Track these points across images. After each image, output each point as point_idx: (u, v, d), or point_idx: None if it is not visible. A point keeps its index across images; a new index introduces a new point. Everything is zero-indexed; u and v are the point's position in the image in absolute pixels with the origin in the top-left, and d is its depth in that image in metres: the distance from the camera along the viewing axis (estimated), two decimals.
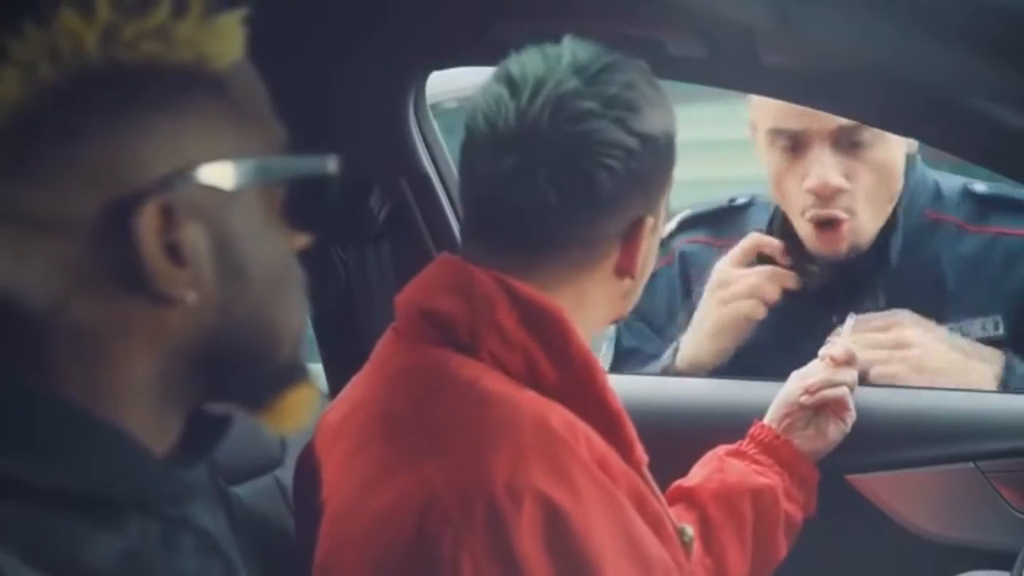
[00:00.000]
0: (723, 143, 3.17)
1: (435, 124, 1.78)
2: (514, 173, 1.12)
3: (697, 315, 1.80)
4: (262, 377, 0.81)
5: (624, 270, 1.16)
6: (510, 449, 1.04)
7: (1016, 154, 1.21)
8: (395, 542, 1.04)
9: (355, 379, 1.23)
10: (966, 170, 1.80)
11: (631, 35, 1.33)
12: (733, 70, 1.39)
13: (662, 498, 1.21)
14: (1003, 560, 1.43)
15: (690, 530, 1.26)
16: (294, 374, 0.83)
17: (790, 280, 1.76)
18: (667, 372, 1.81)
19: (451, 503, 1.03)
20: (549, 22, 1.31)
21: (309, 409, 0.83)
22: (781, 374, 1.61)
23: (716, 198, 1.97)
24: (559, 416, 1.09)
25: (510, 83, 1.14)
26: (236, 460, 1.47)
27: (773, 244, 1.78)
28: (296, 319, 0.83)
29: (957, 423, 1.58)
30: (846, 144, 1.69)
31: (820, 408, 1.56)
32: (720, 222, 1.91)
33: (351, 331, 1.77)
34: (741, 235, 1.82)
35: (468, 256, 1.17)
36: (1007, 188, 1.79)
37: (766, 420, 1.55)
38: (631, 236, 1.15)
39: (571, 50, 1.14)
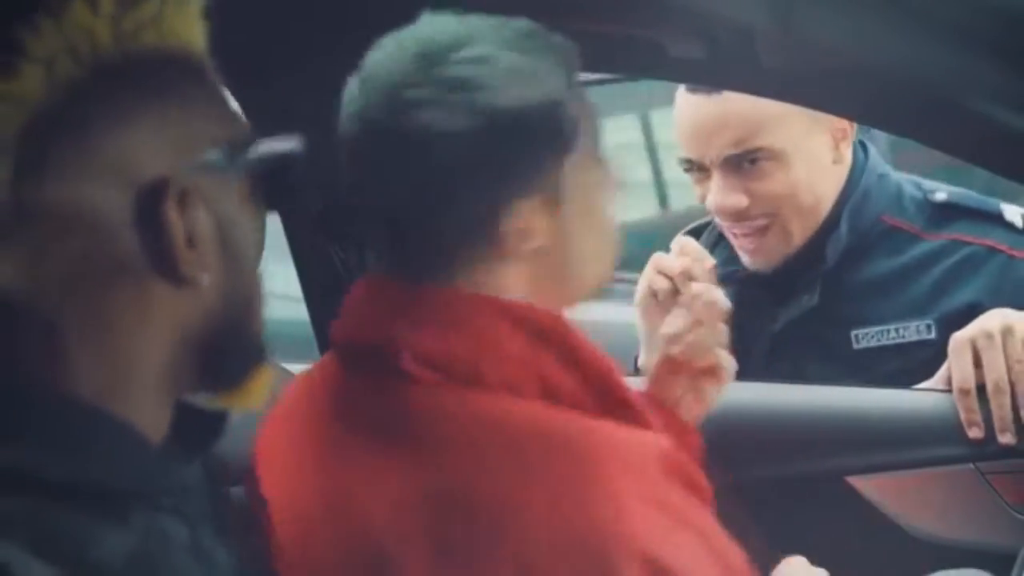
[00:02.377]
0: None
1: None
2: (376, 174, 1.06)
3: None
4: (240, 357, 0.83)
5: (525, 251, 1.07)
6: (608, 498, 0.99)
7: (1016, 154, 1.21)
8: None
9: (289, 425, 1.17)
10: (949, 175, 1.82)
11: (631, 35, 1.33)
12: (733, 70, 1.39)
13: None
14: (1003, 560, 1.43)
15: None
16: (262, 352, 0.84)
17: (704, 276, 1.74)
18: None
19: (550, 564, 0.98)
20: (548, 22, 1.31)
21: (269, 386, 0.84)
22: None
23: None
24: (646, 446, 1.05)
25: (361, 82, 1.08)
26: (236, 460, 1.47)
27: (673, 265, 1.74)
28: (260, 294, 0.84)
29: (957, 423, 1.58)
30: (743, 167, 1.71)
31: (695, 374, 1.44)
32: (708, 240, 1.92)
33: None
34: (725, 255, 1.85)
35: (389, 265, 1.11)
36: (968, 195, 1.80)
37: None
38: (523, 218, 1.06)
39: (420, 32, 1.07)
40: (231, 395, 0.83)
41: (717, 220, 1.80)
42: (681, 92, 1.73)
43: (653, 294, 1.65)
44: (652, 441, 1.06)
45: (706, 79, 1.46)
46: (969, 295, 1.73)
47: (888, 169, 1.83)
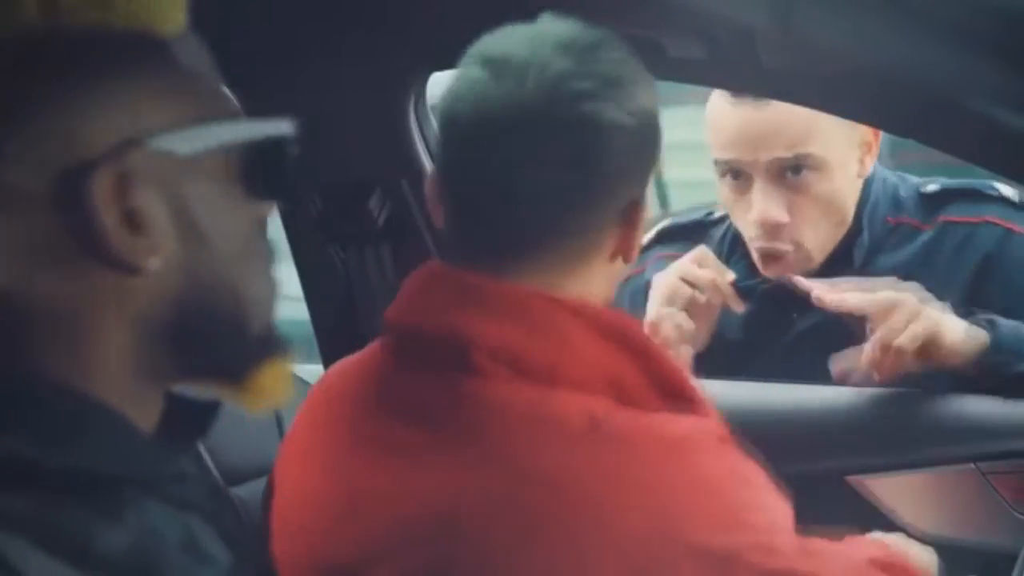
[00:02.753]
0: None
1: (435, 125, 1.78)
2: (510, 161, 1.06)
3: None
4: (235, 349, 0.81)
5: (622, 253, 1.13)
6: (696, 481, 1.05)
7: (1016, 154, 1.21)
8: None
9: (338, 405, 1.18)
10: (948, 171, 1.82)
11: (631, 35, 1.33)
12: (733, 71, 1.39)
13: None
14: (1003, 560, 1.43)
15: None
16: (268, 347, 0.82)
17: (727, 291, 1.75)
18: None
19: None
20: None
21: (284, 385, 0.82)
22: (750, 373, 1.61)
23: (697, 210, 1.98)
24: (710, 428, 1.09)
25: (492, 65, 1.08)
26: (236, 460, 1.47)
27: (702, 274, 1.73)
28: (265, 289, 0.83)
29: (957, 424, 1.58)
30: (786, 176, 1.71)
31: None
32: (695, 235, 1.91)
33: (351, 331, 1.76)
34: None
35: (463, 256, 1.12)
36: (958, 181, 1.81)
37: None
38: (630, 218, 1.11)
39: (553, 28, 1.09)
40: (238, 391, 0.82)
41: (747, 230, 1.78)
42: (720, 100, 1.72)
43: (673, 301, 1.66)
44: (711, 422, 1.10)
45: (706, 79, 1.46)
46: (972, 272, 1.72)
47: (884, 171, 1.83)
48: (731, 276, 1.75)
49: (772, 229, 1.73)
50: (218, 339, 0.79)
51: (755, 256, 1.78)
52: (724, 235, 1.89)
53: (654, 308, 1.71)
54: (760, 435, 1.64)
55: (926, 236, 1.77)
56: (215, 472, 1.49)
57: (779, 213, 1.71)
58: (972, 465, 1.57)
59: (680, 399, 1.11)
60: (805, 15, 1.16)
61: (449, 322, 1.08)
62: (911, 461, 1.60)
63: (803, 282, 1.66)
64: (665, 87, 1.23)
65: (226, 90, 0.81)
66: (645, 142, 1.11)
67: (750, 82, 1.45)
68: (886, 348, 1.58)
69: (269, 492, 1.21)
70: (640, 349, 1.11)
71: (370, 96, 1.69)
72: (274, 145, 0.81)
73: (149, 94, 0.75)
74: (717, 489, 1.05)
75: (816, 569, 1.08)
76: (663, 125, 1.14)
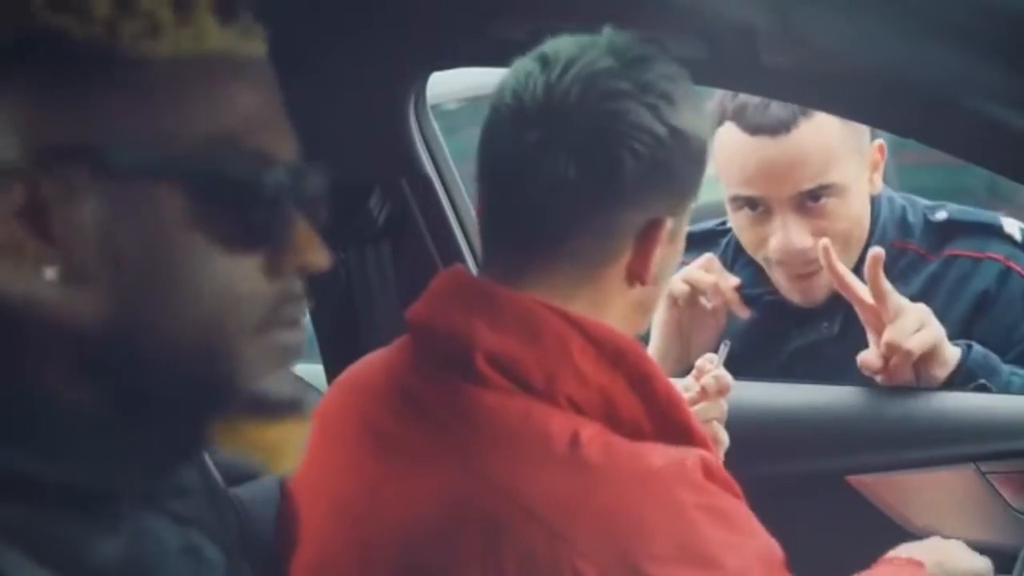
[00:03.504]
0: None
1: (436, 125, 1.78)
2: (536, 147, 1.07)
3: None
4: (193, 398, 0.76)
5: (635, 273, 1.10)
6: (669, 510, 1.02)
7: (1016, 154, 1.21)
8: None
9: (354, 396, 1.18)
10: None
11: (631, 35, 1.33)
12: (733, 70, 1.39)
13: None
14: (1003, 560, 1.44)
15: None
16: (271, 409, 0.77)
17: (731, 296, 1.78)
18: None
19: None
20: (549, 22, 1.31)
21: (295, 447, 0.78)
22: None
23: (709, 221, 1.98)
24: (691, 457, 1.06)
25: (542, 59, 1.10)
26: (236, 460, 1.46)
27: (706, 279, 1.78)
28: (257, 351, 0.76)
29: (957, 423, 1.58)
30: (807, 205, 1.71)
31: None
32: (707, 244, 1.91)
33: (351, 331, 1.76)
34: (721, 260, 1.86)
35: (485, 261, 1.14)
36: (967, 211, 1.82)
37: None
38: (647, 236, 1.10)
39: (609, 36, 1.11)
40: (243, 443, 0.78)
41: (769, 257, 1.77)
42: (734, 134, 1.70)
43: (674, 301, 1.66)
44: (694, 452, 1.07)
45: (706, 79, 1.46)
46: (969, 306, 1.74)
47: (890, 191, 1.84)
48: (735, 281, 1.75)
49: (795, 256, 1.73)
50: (151, 378, 0.75)
51: (780, 281, 1.79)
52: (729, 242, 1.89)
53: (659, 311, 1.71)
54: (761, 435, 1.65)
55: (932, 268, 1.78)
56: (216, 474, 1.49)
57: (803, 240, 1.71)
58: (972, 465, 1.57)
59: (675, 428, 1.09)
60: (805, 15, 1.16)
61: (457, 325, 1.08)
62: (911, 461, 1.60)
63: (837, 265, 1.65)
64: None
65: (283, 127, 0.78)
66: (678, 161, 1.09)
67: (750, 82, 1.45)
68: (894, 348, 1.59)
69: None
70: (638, 372, 1.08)
71: (370, 96, 1.69)
72: (252, 189, 0.75)
73: (99, 106, 0.72)
74: (689, 523, 1.02)
75: None
76: (707, 151, 1.13)
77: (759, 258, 1.79)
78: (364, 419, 1.15)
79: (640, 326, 1.18)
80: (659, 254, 1.11)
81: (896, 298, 1.61)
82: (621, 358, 1.08)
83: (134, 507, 0.76)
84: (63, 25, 0.70)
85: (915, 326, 1.59)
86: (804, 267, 1.74)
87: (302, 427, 0.79)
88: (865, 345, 1.65)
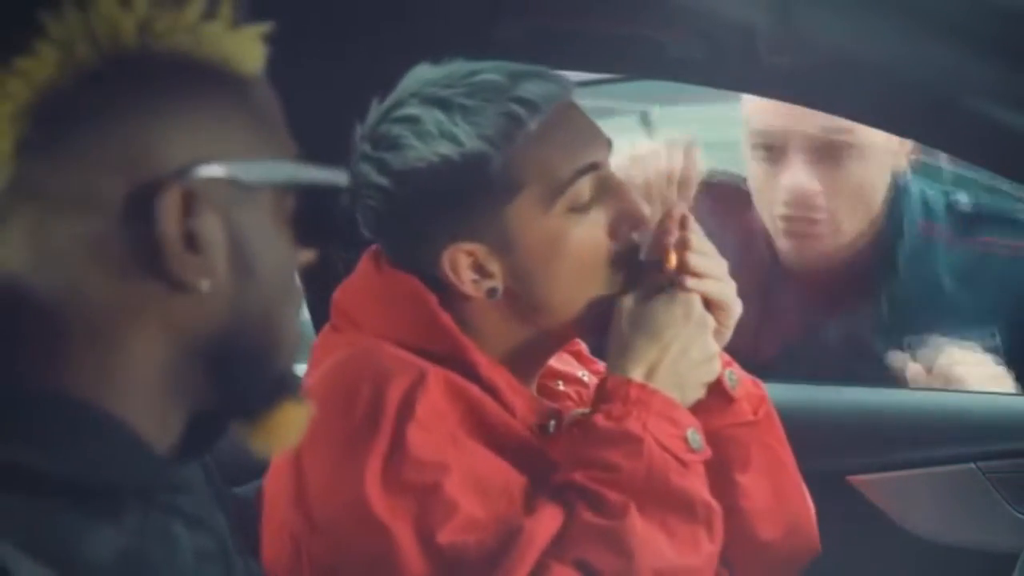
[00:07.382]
0: (724, 143, 3.18)
1: None
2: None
3: None
4: (260, 383, 0.82)
5: (481, 292, 1.18)
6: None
7: (1016, 154, 1.21)
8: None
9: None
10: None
11: (631, 35, 1.34)
12: (733, 70, 1.39)
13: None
14: (1003, 560, 1.43)
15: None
16: (288, 386, 0.83)
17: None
18: None
19: None
20: (550, 22, 1.31)
21: (298, 427, 0.83)
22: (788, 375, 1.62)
23: None
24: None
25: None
26: (236, 460, 1.47)
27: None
28: (294, 330, 0.84)
29: (957, 423, 1.58)
30: (823, 153, 1.70)
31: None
32: None
33: None
34: None
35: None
36: (989, 201, 1.82)
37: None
38: (440, 262, 1.17)
39: (402, 84, 1.21)
40: (253, 427, 0.82)
41: (776, 204, 1.77)
42: None
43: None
44: (432, 368, 1.16)
45: (706, 79, 1.46)
46: (1008, 296, 1.75)
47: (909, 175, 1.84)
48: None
49: (802, 198, 1.72)
50: (248, 371, 0.81)
51: (780, 233, 1.77)
52: None
53: None
54: None
55: (963, 253, 1.78)
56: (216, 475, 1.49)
57: (812, 182, 1.71)
58: (972, 465, 1.57)
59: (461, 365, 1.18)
60: (805, 15, 1.16)
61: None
62: (911, 461, 1.60)
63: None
64: (666, 87, 1.24)
65: (288, 137, 0.82)
66: (415, 199, 1.18)
67: (750, 82, 1.45)
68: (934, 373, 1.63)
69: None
70: (421, 317, 1.19)
71: (370, 96, 1.69)
72: (327, 194, 0.83)
73: (220, 124, 0.77)
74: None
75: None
76: (493, 170, 1.16)
77: (769, 217, 1.78)
78: None
79: (542, 336, 1.24)
80: (494, 270, 1.18)
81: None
82: (402, 297, 1.22)
83: (137, 503, 0.76)
84: (186, 48, 0.76)
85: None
86: (807, 222, 1.73)
87: (302, 407, 0.83)
88: (904, 321, 1.69)
